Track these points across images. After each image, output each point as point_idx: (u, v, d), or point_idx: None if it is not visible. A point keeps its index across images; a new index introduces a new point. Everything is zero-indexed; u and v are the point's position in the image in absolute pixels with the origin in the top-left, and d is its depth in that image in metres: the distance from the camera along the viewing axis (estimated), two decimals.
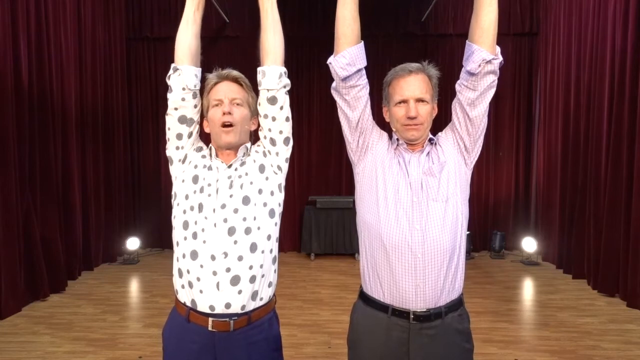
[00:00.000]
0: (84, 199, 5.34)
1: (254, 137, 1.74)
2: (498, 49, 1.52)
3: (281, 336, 1.70)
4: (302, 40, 6.05)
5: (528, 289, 5.00)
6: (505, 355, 3.30)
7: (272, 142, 1.65)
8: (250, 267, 1.57)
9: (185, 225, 1.60)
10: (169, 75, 1.64)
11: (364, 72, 1.58)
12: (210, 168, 1.64)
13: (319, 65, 5.93)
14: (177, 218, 1.63)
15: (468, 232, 5.27)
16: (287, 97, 1.63)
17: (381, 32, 6.32)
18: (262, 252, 1.60)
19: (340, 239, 6.14)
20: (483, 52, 1.49)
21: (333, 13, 1.57)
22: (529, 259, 5.87)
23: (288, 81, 1.63)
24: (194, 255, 1.57)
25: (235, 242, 1.56)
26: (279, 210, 1.67)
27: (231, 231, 1.56)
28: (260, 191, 1.62)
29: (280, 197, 1.68)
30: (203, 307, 1.56)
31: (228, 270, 1.55)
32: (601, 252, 4.62)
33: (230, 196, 1.59)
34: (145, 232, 6.47)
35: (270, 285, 1.64)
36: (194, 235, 1.58)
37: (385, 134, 1.65)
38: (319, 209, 6.15)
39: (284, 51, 1.63)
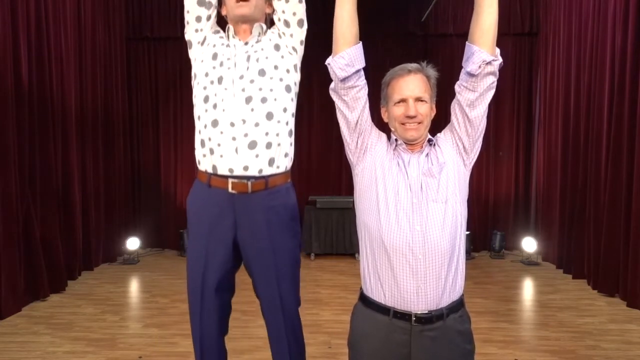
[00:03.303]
0: (84, 199, 5.34)
1: (270, 24, 1.82)
2: (498, 50, 1.52)
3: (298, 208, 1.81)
4: None
5: (528, 289, 5.00)
6: (505, 355, 3.30)
7: (286, 24, 1.74)
8: (267, 134, 1.67)
9: (206, 99, 1.70)
10: None
11: (362, 72, 1.58)
12: (228, 46, 1.74)
13: (318, 64, 5.93)
14: (198, 96, 1.73)
15: (468, 232, 5.27)
16: None
17: (381, 32, 6.32)
18: (278, 122, 1.70)
19: (340, 239, 6.14)
20: (483, 54, 1.49)
21: (333, 12, 1.57)
22: (529, 259, 5.87)
23: None
24: (215, 123, 1.68)
25: (252, 109, 1.67)
26: (295, 88, 1.78)
27: (248, 100, 1.67)
28: (276, 67, 1.72)
29: (296, 76, 1.79)
30: (223, 171, 1.68)
31: (246, 135, 1.66)
32: (601, 252, 4.62)
33: (247, 68, 1.69)
34: (145, 232, 6.48)
35: (286, 156, 1.74)
36: (215, 106, 1.68)
37: (384, 135, 1.65)
38: (319, 209, 6.16)
39: None
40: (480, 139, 1.60)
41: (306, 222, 6.14)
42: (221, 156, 1.66)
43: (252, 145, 1.66)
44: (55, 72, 4.77)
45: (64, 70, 4.93)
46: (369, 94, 1.63)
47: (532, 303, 4.58)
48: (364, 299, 1.61)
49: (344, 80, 1.55)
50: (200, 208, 1.74)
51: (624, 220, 4.33)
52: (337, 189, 6.66)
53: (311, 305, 4.19)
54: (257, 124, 1.66)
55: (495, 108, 6.24)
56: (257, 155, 1.66)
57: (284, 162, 1.73)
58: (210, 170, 1.70)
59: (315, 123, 6.55)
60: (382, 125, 1.68)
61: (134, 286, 5.11)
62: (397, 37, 6.44)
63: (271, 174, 1.69)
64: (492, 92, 1.55)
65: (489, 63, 1.49)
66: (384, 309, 1.53)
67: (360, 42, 1.57)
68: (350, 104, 1.58)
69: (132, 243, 5.99)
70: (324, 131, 6.51)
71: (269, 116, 1.68)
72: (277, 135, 1.69)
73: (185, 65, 6.31)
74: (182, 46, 6.59)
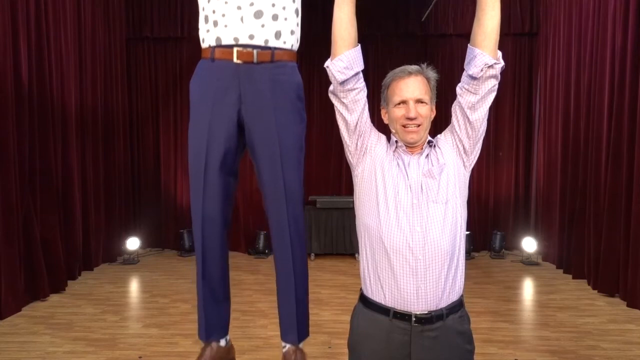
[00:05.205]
0: (84, 199, 5.34)
1: None
2: (500, 53, 1.52)
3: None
4: (301, 40, 6.04)
5: (528, 289, 5.01)
6: (505, 355, 3.30)
7: None
8: (273, 5, 1.65)
9: None
10: None
11: (361, 75, 1.58)
12: None
13: (318, 64, 5.95)
14: None
15: (468, 232, 5.27)
16: None
17: (381, 32, 6.32)
18: None
19: (340, 239, 6.14)
20: (485, 57, 1.49)
21: (332, 12, 1.57)
22: (529, 259, 5.87)
23: None
24: None
25: None
26: None
27: None
28: None
29: None
30: (228, 40, 1.64)
31: (251, 4, 1.63)
32: (601, 252, 4.62)
33: None
34: (145, 232, 6.48)
35: (293, 33, 1.72)
36: None
37: (383, 137, 1.65)
38: (319, 209, 6.16)
39: None
40: (481, 141, 1.60)
41: (306, 222, 6.13)
42: (226, 26, 1.64)
43: (258, 14, 1.63)
44: (55, 72, 4.77)
45: (64, 70, 4.93)
46: (369, 94, 1.63)
47: (532, 303, 4.58)
48: (364, 300, 1.61)
49: (343, 83, 1.55)
50: (203, 85, 1.70)
51: (624, 220, 4.33)
52: (337, 189, 6.66)
53: (311, 305, 4.16)
54: None
55: (495, 108, 6.24)
56: (262, 25, 1.63)
57: (290, 39, 1.71)
58: (214, 43, 1.66)
59: (315, 123, 6.54)
60: (383, 127, 1.68)
61: (134, 286, 5.11)
62: (397, 38, 6.44)
63: (277, 46, 1.67)
64: (493, 95, 1.55)
65: (491, 66, 1.49)
66: (384, 310, 1.53)
67: (359, 45, 1.56)
68: (350, 106, 1.57)
69: (132, 243, 5.99)
70: (323, 131, 6.51)
71: None
72: (284, 9, 1.67)
73: (185, 65, 6.37)
74: (182, 46, 6.57)
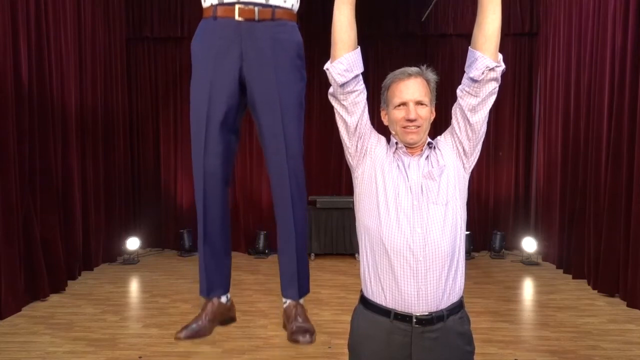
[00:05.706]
0: (84, 199, 5.34)
1: None
2: (500, 56, 1.52)
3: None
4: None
5: (528, 289, 5.01)
6: (505, 355, 3.31)
7: None
8: None
9: None
10: None
11: (361, 77, 1.58)
12: None
13: (317, 65, 5.95)
14: None
15: (468, 232, 5.27)
16: None
17: (381, 32, 6.32)
18: None
19: (340, 239, 6.15)
20: (486, 60, 1.49)
21: (331, 12, 1.57)
22: (529, 259, 5.87)
23: None
24: None
25: None
26: None
27: None
28: None
29: None
30: None
31: None
32: (601, 252, 4.62)
33: None
34: (145, 232, 6.48)
35: None
36: None
37: (383, 138, 1.65)
38: (319, 209, 6.16)
39: None
40: (481, 143, 1.60)
41: (306, 222, 6.13)
42: None
43: None
44: (55, 72, 4.77)
45: (64, 70, 4.94)
46: (369, 95, 1.63)
47: (532, 303, 4.58)
48: (365, 301, 1.61)
49: (343, 85, 1.55)
50: (205, 44, 1.72)
51: (624, 220, 4.33)
52: (337, 189, 6.67)
53: (311, 305, 4.18)
54: None
55: (495, 108, 6.16)
56: None
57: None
58: (216, 2, 1.68)
59: (315, 123, 6.54)
60: (382, 128, 1.68)
61: (134, 286, 5.12)
62: (397, 38, 6.45)
63: (278, 5, 1.69)
64: (493, 98, 1.55)
65: (492, 69, 1.49)
66: (384, 311, 1.53)
67: (359, 47, 1.56)
68: (350, 108, 1.58)
69: (132, 243, 5.99)
70: (323, 132, 6.51)
71: None
72: None
73: (185, 65, 6.36)
74: (182, 46, 6.56)
